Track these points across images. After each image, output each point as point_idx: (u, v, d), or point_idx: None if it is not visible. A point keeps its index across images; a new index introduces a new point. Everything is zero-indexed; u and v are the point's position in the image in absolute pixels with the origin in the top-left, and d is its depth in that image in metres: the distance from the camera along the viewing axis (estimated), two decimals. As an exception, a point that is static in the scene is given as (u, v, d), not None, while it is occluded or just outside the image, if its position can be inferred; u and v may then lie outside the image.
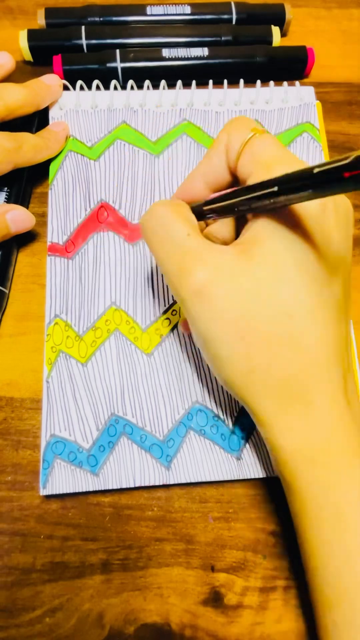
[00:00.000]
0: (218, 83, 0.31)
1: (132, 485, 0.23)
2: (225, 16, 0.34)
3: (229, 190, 0.20)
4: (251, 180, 0.19)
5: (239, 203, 0.19)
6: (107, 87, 0.30)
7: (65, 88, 0.30)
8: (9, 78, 0.29)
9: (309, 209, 0.18)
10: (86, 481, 0.23)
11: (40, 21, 0.33)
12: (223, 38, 0.33)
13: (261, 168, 0.19)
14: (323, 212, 0.18)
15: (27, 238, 0.28)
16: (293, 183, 0.16)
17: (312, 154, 0.31)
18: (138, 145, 0.30)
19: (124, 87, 0.31)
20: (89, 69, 0.31)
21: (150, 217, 0.20)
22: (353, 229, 0.20)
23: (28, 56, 0.33)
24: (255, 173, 0.19)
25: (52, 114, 0.30)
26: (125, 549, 0.23)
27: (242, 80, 0.31)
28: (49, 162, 0.29)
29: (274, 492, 0.24)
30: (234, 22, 0.34)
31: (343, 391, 0.19)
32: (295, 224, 0.18)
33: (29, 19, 0.35)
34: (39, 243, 0.29)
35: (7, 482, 0.24)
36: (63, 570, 0.22)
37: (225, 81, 0.31)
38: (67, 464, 0.23)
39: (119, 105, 0.30)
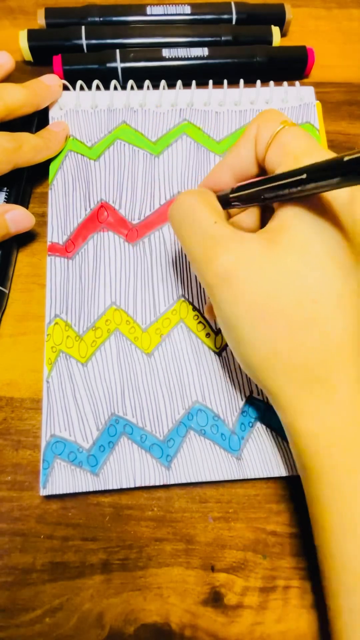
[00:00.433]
0: (218, 83, 0.31)
1: (132, 485, 0.23)
2: (225, 16, 0.34)
3: (257, 179, 0.20)
4: (279, 171, 0.19)
5: (267, 190, 0.19)
6: (107, 87, 0.30)
7: (65, 88, 0.30)
8: (8, 78, 0.29)
9: (338, 197, 0.18)
10: (86, 481, 0.23)
11: (40, 21, 0.33)
12: (223, 38, 0.33)
13: (290, 159, 0.19)
14: (352, 200, 0.18)
15: (27, 238, 0.28)
16: (322, 171, 0.16)
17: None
18: (138, 145, 0.30)
19: (124, 87, 0.31)
20: (89, 69, 0.32)
21: (178, 206, 0.21)
22: None
23: (28, 56, 0.33)
24: (284, 164, 0.19)
25: (52, 114, 0.30)
26: (125, 549, 0.23)
27: (242, 80, 0.31)
28: (49, 162, 0.29)
29: (274, 492, 0.24)
30: (234, 22, 0.34)
31: None
32: (323, 212, 0.18)
33: (29, 19, 0.35)
34: (39, 243, 0.29)
35: (7, 482, 0.24)
36: (63, 570, 0.22)
37: (225, 81, 0.31)
38: (67, 464, 0.23)
39: (119, 105, 0.30)
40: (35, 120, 0.30)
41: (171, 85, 0.31)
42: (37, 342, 0.26)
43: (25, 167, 0.27)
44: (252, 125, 0.21)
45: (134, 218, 0.28)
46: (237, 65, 0.33)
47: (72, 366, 0.25)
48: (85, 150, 0.29)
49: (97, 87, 0.30)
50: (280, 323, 0.18)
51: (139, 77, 0.31)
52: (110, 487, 0.23)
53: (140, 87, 0.31)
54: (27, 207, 0.29)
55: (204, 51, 0.32)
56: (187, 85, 0.31)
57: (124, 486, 0.23)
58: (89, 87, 0.30)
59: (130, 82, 0.30)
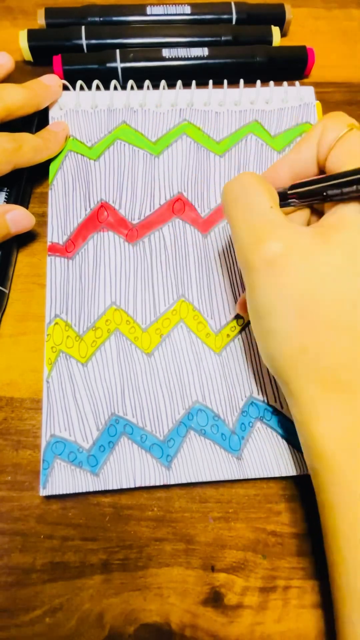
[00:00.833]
0: (218, 83, 0.31)
1: (132, 486, 0.23)
2: (225, 16, 0.34)
3: (320, 176, 0.20)
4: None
5: (332, 187, 0.19)
6: (107, 87, 0.30)
7: (65, 88, 0.30)
8: (8, 78, 0.29)
9: None
10: (86, 481, 0.23)
11: (40, 21, 0.33)
12: (223, 38, 0.33)
13: (355, 161, 0.19)
14: None
15: (27, 238, 0.28)
16: None
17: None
18: (138, 146, 0.30)
19: (124, 87, 0.31)
20: (89, 69, 0.32)
21: (236, 183, 0.21)
22: None
23: (28, 56, 0.33)
24: (349, 165, 0.19)
25: (52, 114, 0.30)
26: (125, 549, 0.23)
27: (242, 80, 0.31)
28: (49, 162, 0.29)
29: (274, 492, 0.24)
30: (234, 22, 0.34)
31: None
32: None
33: (29, 19, 0.35)
34: (39, 243, 0.29)
35: (7, 482, 0.24)
36: (63, 570, 0.22)
37: (225, 81, 0.31)
38: (67, 464, 0.23)
39: (119, 105, 0.30)
40: (35, 121, 0.30)
41: (171, 85, 0.31)
42: (37, 342, 0.26)
43: (25, 167, 0.27)
44: (317, 126, 0.21)
45: (134, 218, 0.28)
46: (237, 65, 0.33)
47: (72, 366, 0.25)
48: (85, 150, 0.29)
49: (97, 87, 0.30)
50: (315, 320, 0.18)
51: (139, 77, 0.31)
52: (110, 487, 0.23)
53: (140, 87, 0.31)
54: (27, 207, 0.29)
55: (204, 51, 0.32)
56: (187, 85, 0.31)
57: (124, 486, 0.23)
58: (89, 87, 0.30)
59: (130, 82, 0.30)
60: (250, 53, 0.33)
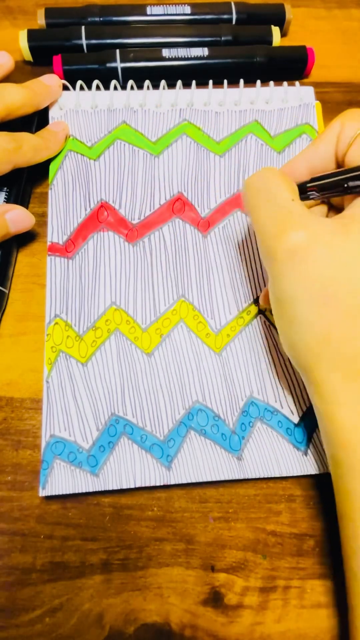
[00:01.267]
0: (218, 83, 0.31)
1: (132, 486, 0.23)
2: (225, 16, 0.34)
3: (341, 169, 0.20)
4: None
5: (352, 178, 0.19)
6: (107, 87, 0.30)
7: (65, 88, 0.30)
8: (8, 78, 0.29)
9: None
10: (86, 482, 0.23)
11: (40, 21, 0.33)
12: (223, 38, 0.33)
13: None
14: None
15: (27, 238, 0.28)
16: None
17: (312, 154, 0.31)
18: (138, 145, 0.30)
19: (124, 87, 0.31)
20: (89, 69, 0.32)
21: (258, 177, 0.21)
22: None
23: (28, 56, 0.33)
24: None
25: (52, 113, 0.30)
26: (125, 549, 0.23)
27: (242, 80, 0.31)
28: (49, 162, 0.29)
29: (274, 492, 0.24)
30: (234, 22, 0.34)
31: None
32: None
33: (29, 19, 0.35)
34: (39, 243, 0.29)
35: (7, 482, 0.24)
36: (63, 570, 0.22)
37: (225, 81, 0.31)
38: (66, 464, 0.23)
39: (119, 106, 0.30)
40: (35, 120, 0.30)
41: (171, 85, 0.31)
42: (37, 342, 0.26)
43: (25, 167, 0.27)
44: (336, 122, 0.22)
45: (134, 218, 0.28)
46: (237, 65, 0.33)
47: (72, 366, 0.25)
48: (85, 150, 0.29)
49: (97, 87, 0.30)
50: (339, 308, 0.18)
51: (139, 77, 0.31)
52: (110, 488, 0.23)
53: (140, 87, 0.31)
54: (27, 207, 0.29)
55: (204, 51, 0.32)
56: (187, 85, 0.31)
57: (124, 486, 0.23)
58: (89, 87, 0.30)
59: (130, 82, 0.30)
60: (250, 53, 0.33)
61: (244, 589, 0.22)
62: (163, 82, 0.31)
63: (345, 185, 0.20)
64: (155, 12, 0.34)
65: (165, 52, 0.32)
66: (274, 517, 0.24)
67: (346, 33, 0.37)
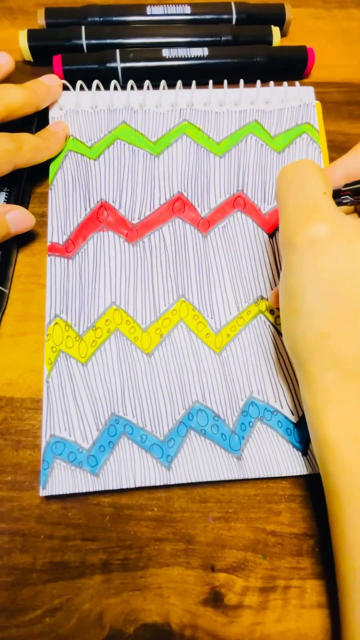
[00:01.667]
0: (218, 83, 0.31)
1: (132, 486, 0.23)
2: (225, 16, 0.34)
3: None
4: None
5: None
6: (107, 87, 0.30)
7: (65, 88, 0.30)
8: (8, 78, 0.29)
9: None
10: (86, 481, 0.23)
11: (40, 21, 0.33)
12: (223, 38, 0.33)
13: None
14: None
15: (27, 238, 0.28)
16: None
17: (311, 155, 0.31)
18: (138, 145, 0.30)
19: (124, 87, 0.31)
20: (89, 69, 0.32)
21: (294, 166, 0.22)
22: None
23: (28, 56, 0.33)
24: None
25: (52, 114, 0.30)
26: (125, 549, 0.23)
27: (242, 80, 0.31)
28: (49, 162, 0.29)
29: (274, 492, 0.24)
30: (234, 22, 0.34)
31: None
32: None
33: (29, 19, 0.35)
34: (39, 243, 0.29)
35: (7, 482, 0.24)
36: (63, 570, 0.22)
37: (225, 81, 0.31)
38: (67, 464, 0.23)
39: (119, 106, 0.30)
40: (35, 121, 0.30)
41: (171, 85, 0.31)
42: (37, 342, 0.26)
43: (25, 167, 0.27)
44: None
45: (134, 218, 0.28)
46: (237, 65, 0.33)
47: (72, 366, 0.25)
48: (85, 150, 0.29)
49: (97, 87, 0.30)
50: (344, 307, 0.18)
51: (139, 77, 0.31)
52: (110, 488, 0.23)
53: (140, 87, 0.31)
54: (27, 207, 0.29)
55: (204, 51, 0.32)
56: (187, 85, 0.31)
57: (124, 486, 0.23)
58: (89, 87, 0.30)
59: (130, 82, 0.30)
60: (250, 53, 0.33)
61: (244, 589, 0.22)
62: (163, 82, 0.31)
63: None
64: (155, 12, 0.34)
65: (165, 52, 0.32)
66: (274, 517, 0.24)
67: (346, 33, 0.37)
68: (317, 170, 0.21)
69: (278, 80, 0.32)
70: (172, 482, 0.23)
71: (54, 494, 0.23)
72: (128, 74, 0.32)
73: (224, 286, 0.27)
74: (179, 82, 0.31)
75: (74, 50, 0.32)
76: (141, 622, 0.22)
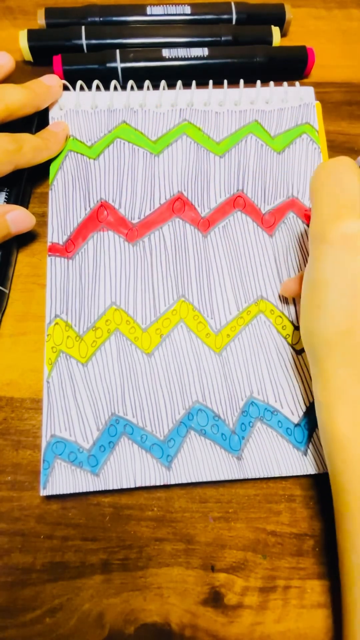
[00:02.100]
0: (218, 83, 0.31)
1: (132, 486, 0.23)
2: (225, 16, 0.34)
3: None
4: None
5: None
6: (107, 87, 0.30)
7: (65, 88, 0.30)
8: (9, 78, 0.29)
9: None
10: (86, 481, 0.23)
11: (40, 21, 0.33)
12: (223, 38, 0.33)
13: None
14: None
15: (27, 238, 0.28)
16: None
17: (311, 155, 0.31)
18: (138, 144, 0.30)
19: (124, 87, 0.31)
20: (89, 69, 0.32)
21: (333, 162, 0.22)
22: None
23: (28, 56, 0.33)
24: None
25: (52, 114, 0.30)
26: (125, 549, 0.23)
27: (242, 80, 0.31)
28: (49, 162, 0.29)
29: (274, 492, 0.24)
30: (234, 22, 0.34)
31: None
32: None
33: (29, 19, 0.35)
34: (39, 243, 0.29)
35: (7, 482, 0.24)
36: (63, 570, 0.22)
37: (225, 81, 0.31)
38: (67, 464, 0.23)
39: (119, 106, 0.30)
40: (35, 121, 0.30)
41: (171, 85, 0.31)
42: (37, 342, 0.26)
43: (26, 167, 0.27)
44: None
45: (134, 217, 0.28)
46: (237, 65, 0.33)
47: (73, 366, 0.25)
48: (85, 150, 0.29)
49: (97, 87, 0.30)
50: None
51: (139, 77, 0.31)
52: (111, 487, 0.23)
53: (140, 87, 0.31)
54: (27, 207, 0.29)
55: (204, 51, 0.32)
56: (187, 85, 0.31)
57: (124, 486, 0.23)
58: (89, 87, 0.30)
59: (130, 82, 0.30)
60: (250, 53, 0.33)
61: (244, 589, 0.22)
62: (163, 82, 0.31)
63: None
64: (155, 12, 0.34)
65: (165, 52, 0.32)
66: (274, 517, 0.24)
67: (346, 33, 0.37)
68: (356, 168, 0.21)
69: (278, 80, 0.32)
70: (172, 482, 0.23)
71: (54, 493, 0.23)
72: (128, 74, 0.32)
73: (224, 286, 0.27)
74: (179, 82, 0.31)
75: (74, 50, 0.32)
76: (141, 622, 0.22)
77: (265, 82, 0.32)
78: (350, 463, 0.19)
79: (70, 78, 0.30)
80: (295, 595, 0.22)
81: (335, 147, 0.32)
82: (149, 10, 0.34)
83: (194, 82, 0.31)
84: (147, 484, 0.23)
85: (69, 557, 0.23)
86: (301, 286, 0.23)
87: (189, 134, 0.30)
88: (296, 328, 0.27)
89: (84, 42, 0.32)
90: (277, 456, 0.24)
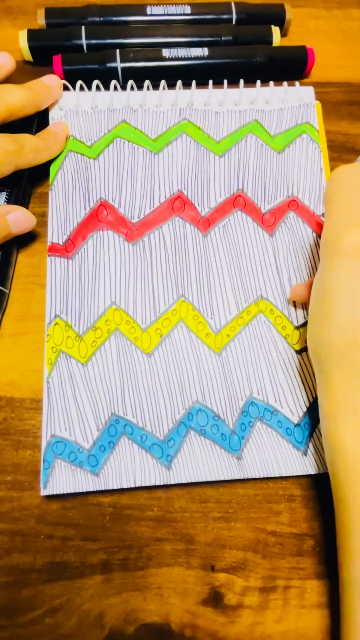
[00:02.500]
0: (218, 83, 0.31)
1: (132, 485, 0.23)
2: (225, 16, 0.34)
3: None
4: None
5: None
6: (107, 87, 0.30)
7: (65, 88, 0.30)
8: (9, 78, 0.29)
9: None
10: (87, 481, 0.23)
11: (40, 21, 0.33)
12: (223, 38, 0.33)
13: None
14: None
15: (27, 238, 0.28)
16: None
17: (311, 155, 0.31)
18: (137, 143, 0.30)
19: (124, 87, 0.31)
20: (89, 69, 0.31)
21: (349, 168, 0.21)
22: None
23: (28, 56, 0.33)
24: None
25: (52, 114, 0.30)
26: (125, 549, 0.23)
27: (242, 80, 0.31)
28: (49, 162, 0.29)
29: (274, 492, 0.24)
30: (234, 22, 0.34)
31: None
32: None
33: (29, 19, 0.35)
34: (39, 243, 0.29)
35: (7, 482, 0.24)
36: (63, 570, 0.22)
37: (225, 81, 0.31)
38: (67, 464, 0.23)
39: (119, 106, 0.30)
40: (35, 121, 0.30)
41: (171, 85, 0.31)
42: (37, 342, 0.26)
43: (26, 168, 0.27)
44: None
45: (134, 217, 0.28)
46: (237, 65, 0.33)
47: (73, 366, 0.25)
48: (85, 149, 0.29)
49: (97, 87, 0.30)
50: None
51: (139, 77, 0.31)
52: (111, 487, 0.23)
53: (140, 87, 0.31)
54: (27, 208, 0.29)
55: (204, 51, 0.32)
56: (187, 85, 0.31)
57: (124, 486, 0.23)
58: (89, 87, 0.30)
59: (130, 82, 0.30)
60: (250, 53, 0.33)
61: (244, 589, 0.22)
62: (163, 82, 0.31)
63: None
64: (155, 12, 0.34)
65: (165, 52, 0.32)
66: (274, 517, 0.24)
67: (346, 33, 0.37)
68: None
69: (278, 80, 0.32)
70: (172, 482, 0.23)
71: (54, 493, 0.23)
72: (128, 74, 0.32)
73: (224, 286, 0.27)
74: (179, 82, 0.31)
75: (74, 50, 0.32)
76: (141, 622, 0.22)
77: (265, 82, 0.32)
78: (353, 474, 0.19)
79: (70, 78, 0.30)
80: (295, 595, 0.22)
81: (335, 147, 0.32)
82: (149, 10, 0.34)
83: (194, 82, 0.31)
84: (147, 484, 0.23)
85: (69, 557, 0.23)
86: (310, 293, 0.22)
87: (189, 133, 0.30)
88: (296, 328, 0.27)
89: (84, 42, 0.32)
90: (277, 456, 0.24)
